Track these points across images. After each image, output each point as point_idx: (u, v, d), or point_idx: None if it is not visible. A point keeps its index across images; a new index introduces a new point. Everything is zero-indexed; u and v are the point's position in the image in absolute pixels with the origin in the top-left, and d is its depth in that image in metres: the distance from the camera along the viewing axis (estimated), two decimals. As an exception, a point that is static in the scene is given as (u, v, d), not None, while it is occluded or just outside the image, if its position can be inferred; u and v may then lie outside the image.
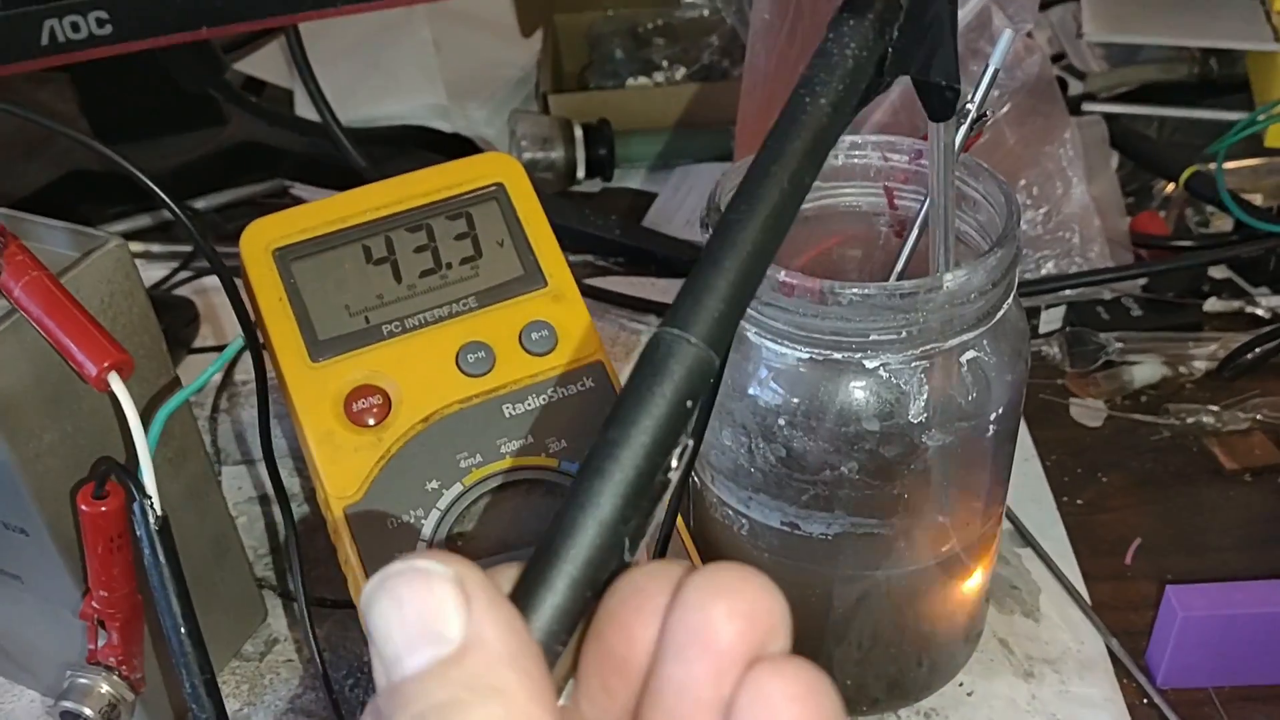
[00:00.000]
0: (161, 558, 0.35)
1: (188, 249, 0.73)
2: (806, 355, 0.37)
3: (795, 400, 0.38)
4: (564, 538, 0.21)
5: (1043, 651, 0.48)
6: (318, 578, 0.53)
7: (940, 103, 0.33)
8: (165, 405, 0.37)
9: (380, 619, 0.20)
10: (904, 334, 0.36)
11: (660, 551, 0.41)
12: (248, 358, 0.46)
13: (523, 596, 0.21)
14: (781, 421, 0.38)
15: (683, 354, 0.22)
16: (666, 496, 0.23)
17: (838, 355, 0.37)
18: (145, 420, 0.37)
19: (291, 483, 0.58)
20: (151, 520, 0.35)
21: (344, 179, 0.76)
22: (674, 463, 0.22)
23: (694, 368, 0.22)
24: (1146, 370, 0.59)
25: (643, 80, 0.83)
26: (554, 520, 0.22)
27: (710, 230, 0.39)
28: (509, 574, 0.22)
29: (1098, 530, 0.53)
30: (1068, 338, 0.60)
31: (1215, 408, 0.57)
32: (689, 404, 0.22)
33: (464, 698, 0.19)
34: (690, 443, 0.23)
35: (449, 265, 0.44)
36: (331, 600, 0.52)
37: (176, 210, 0.44)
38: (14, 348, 0.37)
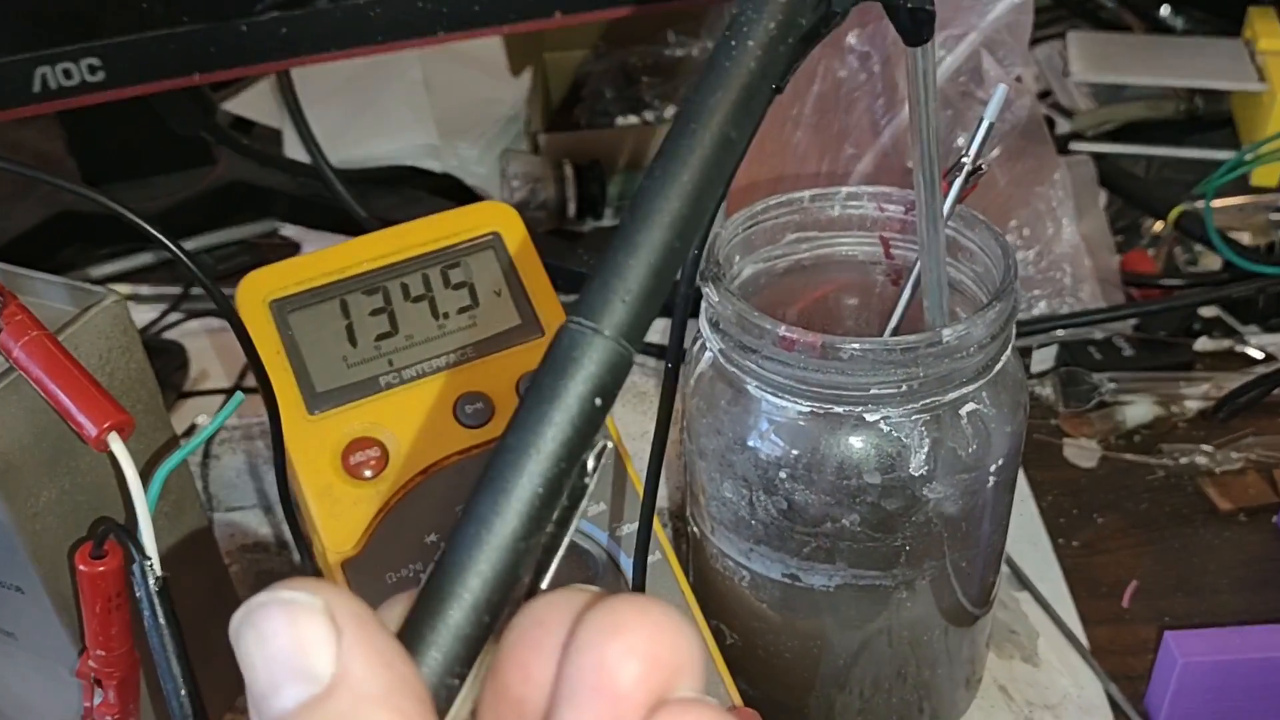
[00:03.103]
0: (162, 619, 0.35)
1: (176, 290, 0.72)
2: (807, 408, 0.37)
3: (796, 453, 0.38)
4: (457, 558, 0.19)
5: (1042, 697, 0.48)
6: (313, 627, 0.53)
7: (910, 23, 0.30)
8: (164, 465, 0.37)
9: (247, 652, 0.18)
10: (904, 387, 0.36)
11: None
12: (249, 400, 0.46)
13: (413, 626, 0.19)
14: (782, 474, 0.38)
15: (592, 348, 0.20)
16: (583, 504, 0.20)
17: (838, 409, 0.37)
18: (144, 478, 0.37)
19: (284, 529, 0.57)
20: (151, 582, 0.35)
21: (335, 219, 0.77)
22: (590, 464, 0.20)
23: (605, 363, 0.20)
24: (1139, 410, 0.59)
25: (632, 119, 0.84)
26: (449, 539, 0.19)
27: (707, 282, 0.39)
28: (403, 605, 0.20)
29: (1095, 572, 0.53)
30: (1061, 378, 0.60)
31: (1209, 447, 0.57)
32: (598, 402, 0.20)
33: None
34: (608, 443, 0.21)
35: (446, 315, 0.44)
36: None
37: (180, 255, 0.43)
38: (13, 406, 0.37)
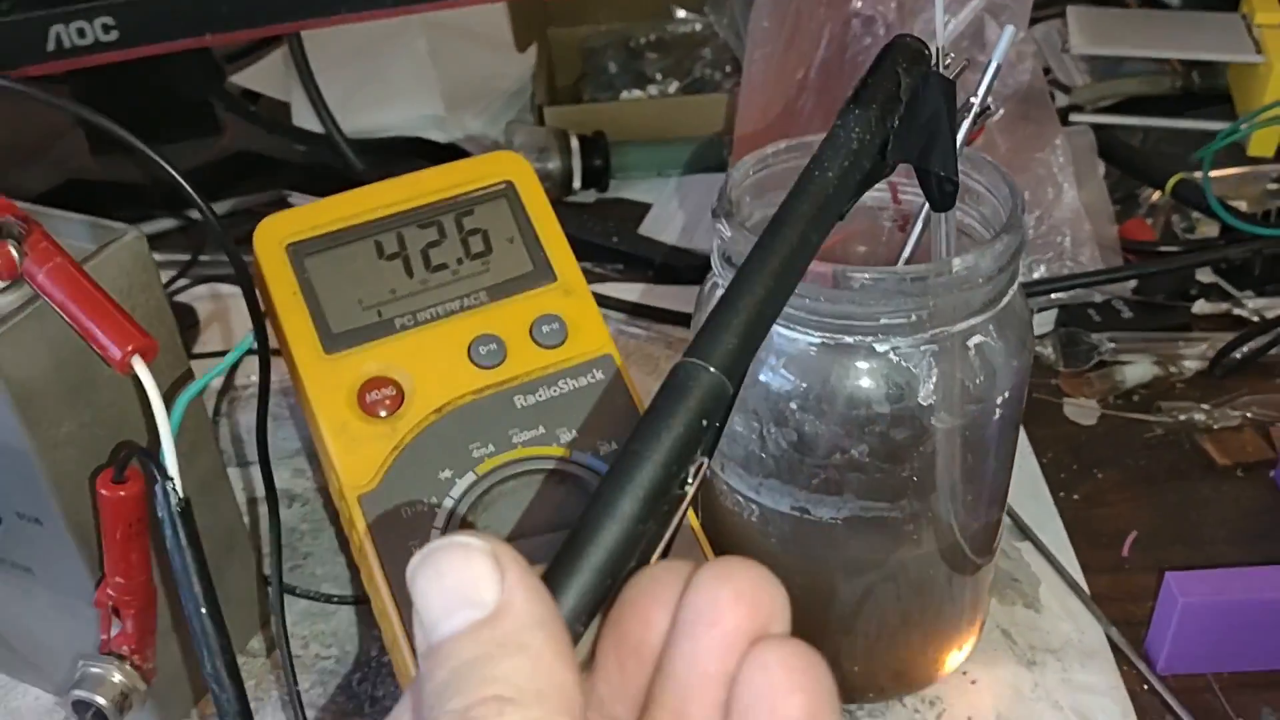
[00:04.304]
0: (184, 539, 0.36)
1: (186, 257, 0.73)
2: (818, 340, 0.38)
3: (806, 385, 0.38)
4: (590, 530, 0.24)
5: (1044, 641, 0.48)
6: (324, 575, 0.53)
7: (940, 192, 0.35)
8: (185, 391, 0.38)
9: (423, 587, 0.22)
10: (913, 318, 0.37)
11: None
12: (249, 361, 0.47)
13: (551, 580, 0.23)
14: (793, 406, 0.39)
15: (701, 380, 0.25)
16: (682, 509, 0.25)
17: (849, 339, 0.37)
18: (165, 407, 0.37)
19: (296, 483, 0.58)
20: (174, 502, 0.36)
21: (341, 187, 0.77)
22: (689, 479, 0.25)
23: (710, 392, 0.25)
24: (1138, 370, 0.60)
25: (636, 93, 0.84)
26: (581, 516, 0.24)
27: (720, 219, 0.40)
28: (539, 569, 0.24)
29: (1095, 524, 0.54)
30: (1061, 338, 0.61)
31: (1206, 406, 0.58)
32: (704, 423, 0.25)
33: (494, 653, 0.21)
34: (705, 460, 0.26)
35: (460, 261, 0.45)
36: (339, 597, 0.52)
37: (205, 208, 0.44)
38: (35, 336, 0.37)
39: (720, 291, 0.41)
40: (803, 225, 0.28)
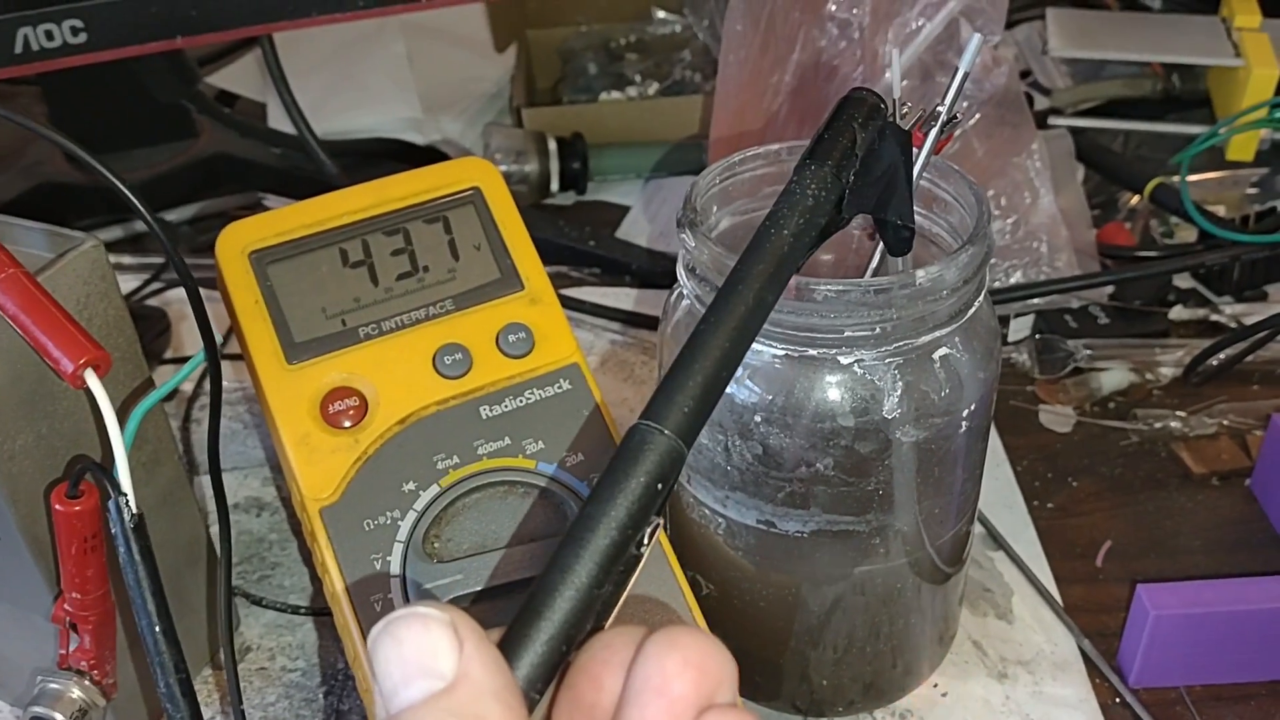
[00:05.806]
0: (137, 555, 0.35)
1: (159, 260, 0.72)
2: (782, 352, 0.37)
3: (771, 398, 0.38)
4: (546, 598, 0.24)
5: (1016, 653, 0.48)
6: (292, 586, 0.53)
7: (896, 239, 0.36)
8: (141, 404, 0.37)
9: (383, 656, 0.22)
10: (878, 330, 0.36)
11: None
12: (224, 366, 0.46)
13: (508, 648, 0.24)
14: (758, 419, 0.38)
15: (656, 444, 0.26)
16: (638, 571, 0.26)
17: (813, 352, 0.37)
18: (121, 419, 0.37)
19: (266, 492, 0.57)
20: (127, 518, 0.35)
21: (317, 191, 0.76)
22: (645, 540, 0.25)
23: (665, 455, 0.26)
24: (1114, 377, 0.60)
25: (615, 95, 0.84)
26: (538, 582, 0.24)
27: (684, 229, 0.39)
28: (495, 634, 0.24)
29: (1069, 534, 0.53)
30: (1037, 345, 0.61)
31: (1182, 413, 0.58)
32: (659, 486, 0.25)
33: None
34: (660, 521, 0.26)
35: (426, 268, 0.44)
36: (306, 608, 0.51)
37: (149, 218, 0.44)
38: (-11, 347, 0.37)
39: (685, 302, 0.41)
40: (759, 284, 0.29)
